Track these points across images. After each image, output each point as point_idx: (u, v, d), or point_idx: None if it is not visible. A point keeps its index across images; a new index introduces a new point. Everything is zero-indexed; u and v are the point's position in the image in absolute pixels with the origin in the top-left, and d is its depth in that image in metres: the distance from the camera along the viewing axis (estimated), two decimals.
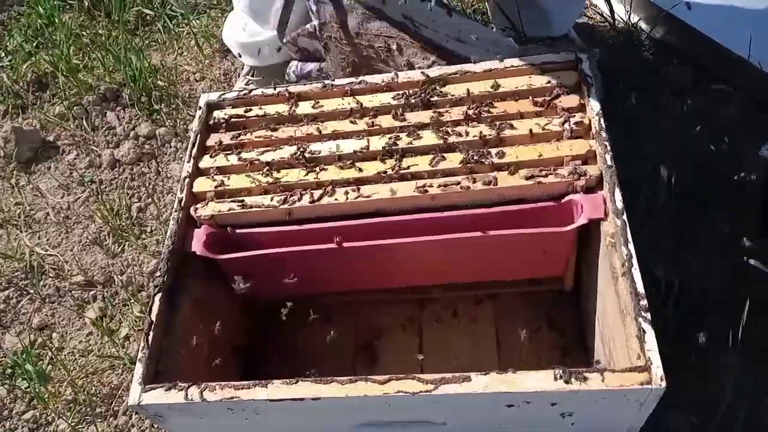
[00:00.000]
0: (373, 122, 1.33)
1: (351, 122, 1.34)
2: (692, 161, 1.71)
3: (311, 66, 1.78)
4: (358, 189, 1.25)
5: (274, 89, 1.42)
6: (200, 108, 1.43)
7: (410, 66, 1.52)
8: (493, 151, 1.23)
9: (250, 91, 1.44)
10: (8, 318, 1.84)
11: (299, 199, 1.26)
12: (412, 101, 1.33)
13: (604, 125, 1.21)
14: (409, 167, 1.25)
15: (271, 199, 1.28)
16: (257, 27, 1.94)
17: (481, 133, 1.26)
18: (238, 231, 1.30)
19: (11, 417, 1.67)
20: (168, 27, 2.44)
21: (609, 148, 1.18)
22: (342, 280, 1.43)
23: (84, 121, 2.23)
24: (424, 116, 1.31)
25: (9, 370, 1.74)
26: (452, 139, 1.26)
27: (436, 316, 1.54)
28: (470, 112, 1.29)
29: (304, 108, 1.39)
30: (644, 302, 1.00)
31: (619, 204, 1.12)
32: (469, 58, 1.40)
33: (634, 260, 1.05)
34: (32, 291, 1.88)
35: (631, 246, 1.07)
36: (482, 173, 1.22)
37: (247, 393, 1.04)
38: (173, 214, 1.29)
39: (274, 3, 1.86)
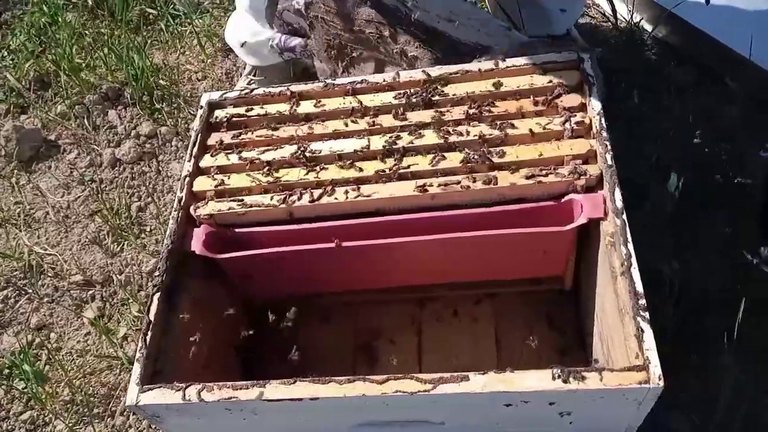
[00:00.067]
0: (373, 121, 1.33)
1: (352, 121, 1.34)
2: (693, 161, 1.71)
3: (296, 41, 1.76)
4: (359, 188, 1.25)
5: (276, 88, 1.42)
6: (201, 107, 1.43)
7: (403, 53, 1.50)
8: (494, 150, 1.23)
9: (252, 90, 1.44)
10: (6, 318, 1.84)
11: (299, 199, 1.26)
12: (413, 101, 1.33)
13: (605, 125, 1.20)
14: (409, 166, 1.25)
15: (271, 199, 1.28)
16: (259, 27, 1.94)
17: (481, 132, 1.25)
18: (237, 230, 1.30)
19: (8, 418, 1.67)
20: (170, 26, 2.45)
21: (610, 147, 1.17)
22: (342, 280, 1.42)
23: (85, 120, 2.23)
24: (425, 116, 1.31)
25: (6, 371, 1.74)
26: (453, 138, 1.26)
27: (435, 315, 1.54)
28: (471, 111, 1.29)
29: (305, 107, 1.38)
30: (643, 301, 1.00)
31: (619, 203, 1.11)
32: (460, 40, 1.39)
33: (634, 260, 1.04)
34: (31, 291, 1.88)
35: (630, 245, 1.06)
36: (482, 173, 1.22)
37: (245, 393, 1.03)
38: (173, 213, 1.29)
39: None
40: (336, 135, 1.33)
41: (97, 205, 1.99)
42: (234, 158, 1.34)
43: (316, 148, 1.31)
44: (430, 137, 1.27)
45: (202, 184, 1.33)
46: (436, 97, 1.33)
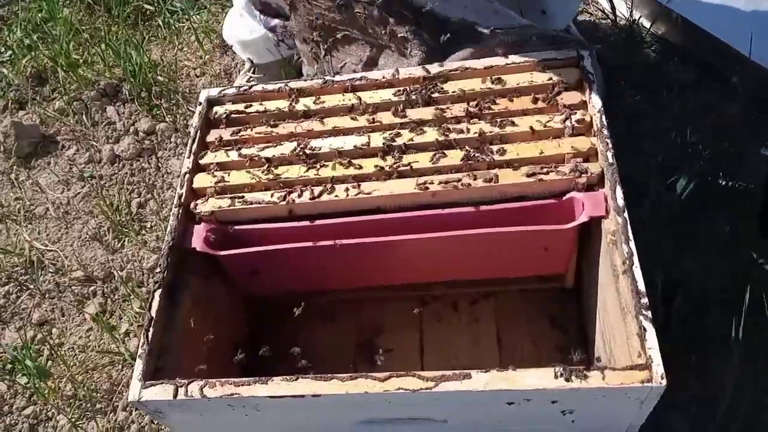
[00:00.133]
0: (373, 119, 1.33)
1: (352, 119, 1.34)
2: (693, 160, 1.71)
3: (275, 21, 1.74)
4: (359, 186, 1.24)
5: (275, 84, 1.42)
6: (200, 104, 1.43)
7: (392, 34, 1.47)
8: (494, 148, 1.23)
9: (251, 86, 1.44)
10: (8, 313, 1.84)
11: (300, 196, 1.26)
12: (413, 98, 1.33)
13: (605, 122, 1.20)
14: (409, 164, 1.25)
15: (272, 196, 1.27)
16: (256, 24, 1.93)
17: (482, 129, 1.25)
18: (238, 227, 1.30)
19: (11, 412, 1.67)
20: (168, 22, 2.44)
21: (610, 145, 1.17)
22: (343, 277, 1.42)
23: (84, 117, 2.23)
24: (425, 113, 1.31)
25: (9, 366, 1.74)
26: (453, 135, 1.26)
27: (437, 313, 1.54)
28: (471, 108, 1.29)
29: (305, 104, 1.38)
30: (645, 300, 1.00)
31: (620, 202, 1.11)
32: (448, 18, 1.38)
33: (635, 258, 1.05)
34: (32, 286, 1.88)
35: (632, 244, 1.06)
36: (483, 170, 1.22)
37: (247, 390, 1.03)
38: (173, 210, 1.29)
39: None
40: (336, 132, 1.33)
41: (97, 202, 1.98)
42: (234, 155, 1.34)
43: (316, 145, 1.31)
44: (431, 134, 1.27)
45: (202, 180, 1.33)
46: (436, 95, 1.33)
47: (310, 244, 1.27)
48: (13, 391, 1.70)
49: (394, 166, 1.25)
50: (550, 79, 1.30)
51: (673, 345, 1.34)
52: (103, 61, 2.35)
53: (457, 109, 1.30)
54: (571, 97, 1.27)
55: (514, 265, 1.39)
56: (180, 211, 1.29)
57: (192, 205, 1.30)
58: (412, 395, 0.99)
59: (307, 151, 1.30)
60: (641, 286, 1.02)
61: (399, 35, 1.44)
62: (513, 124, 1.26)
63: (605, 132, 1.19)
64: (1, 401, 1.68)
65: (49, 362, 1.73)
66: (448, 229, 1.22)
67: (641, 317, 0.99)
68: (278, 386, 1.03)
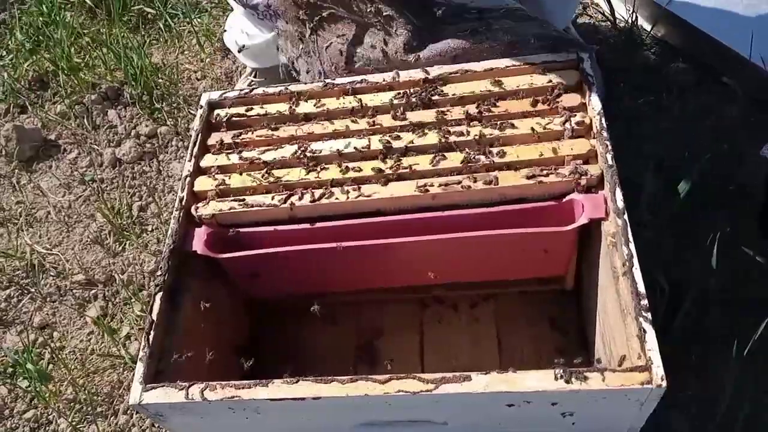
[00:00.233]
0: (374, 121, 1.33)
1: (352, 121, 1.34)
2: (693, 161, 1.71)
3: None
4: (359, 188, 1.25)
5: (275, 88, 1.42)
6: (201, 107, 1.43)
7: (378, 12, 1.44)
8: (494, 150, 1.23)
9: (252, 89, 1.44)
10: (9, 317, 1.84)
11: (300, 199, 1.26)
12: (413, 100, 1.33)
13: (605, 124, 1.21)
14: (410, 166, 1.25)
15: (272, 199, 1.28)
16: (256, 29, 1.93)
17: (481, 132, 1.26)
18: (238, 230, 1.30)
19: (12, 416, 1.67)
20: (169, 25, 2.44)
21: (610, 147, 1.18)
22: (343, 280, 1.43)
23: (85, 120, 2.23)
24: (425, 115, 1.31)
25: (10, 369, 1.74)
26: (453, 138, 1.26)
27: (437, 315, 1.54)
28: (471, 111, 1.29)
29: (305, 107, 1.39)
30: (645, 302, 1.00)
31: (620, 203, 1.12)
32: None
33: (635, 260, 1.05)
34: (33, 290, 1.88)
35: (632, 245, 1.06)
36: (483, 172, 1.22)
37: (247, 392, 1.04)
38: (174, 213, 1.29)
39: None
40: (336, 135, 1.33)
41: (99, 205, 1.98)
42: (234, 158, 1.34)
43: (317, 148, 1.31)
44: (431, 137, 1.28)
45: (203, 183, 1.33)
46: (436, 97, 1.33)
47: (310, 246, 1.27)
48: (13, 395, 1.70)
49: (395, 168, 1.25)
50: (550, 81, 1.30)
51: (673, 345, 1.35)
52: (105, 65, 2.36)
53: (457, 112, 1.30)
54: (570, 100, 1.27)
55: (514, 267, 1.39)
56: (181, 214, 1.29)
57: (193, 208, 1.30)
58: (412, 397, 0.99)
59: (308, 154, 1.31)
60: (641, 288, 1.02)
61: (384, 13, 1.42)
62: (513, 126, 1.26)
63: (605, 134, 1.20)
64: (1, 405, 1.69)
65: (50, 366, 1.73)
66: (448, 232, 1.23)
67: (641, 319, 0.99)
68: (279, 389, 1.03)
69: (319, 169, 1.29)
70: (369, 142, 1.30)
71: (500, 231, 1.21)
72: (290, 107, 1.39)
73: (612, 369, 0.97)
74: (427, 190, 1.22)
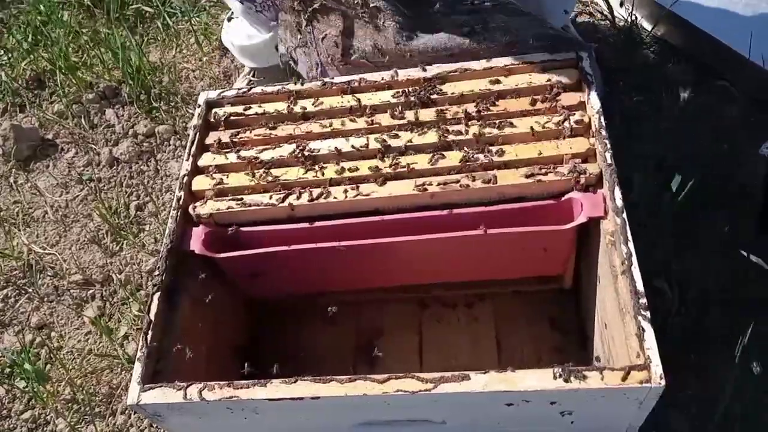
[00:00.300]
0: (372, 120, 1.33)
1: (350, 120, 1.34)
2: (692, 161, 1.71)
3: None
4: (358, 187, 1.24)
5: (274, 87, 1.42)
6: (199, 106, 1.43)
7: (364, 4, 1.42)
8: (493, 149, 1.23)
9: (250, 88, 1.44)
10: (6, 317, 1.84)
11: (298, 198, 1.26)
12: (412, 99, 1.33)
13: (604, 123, 1.20)
14: (408, 165, 1.24)
15: (270, 198, 1.27)
16: (253, 30, 1.93)
17: (480, 131, 1.25)
18: (236, 229, 1.30)
19: (10, 416, 1.66)
20: (167, 24, 2.44)
21: (609, 146, 1.17)
22: (342, 279, 1.42)
23: (83, 119, 2.23)
24: (424, 114, 1.31)
25: (8, 370, 1.74)
26: (452, 137, 1.26)
27: (436, 315, 1.54)
28: (470, 110, 1.29)
29: (304, 106, 1.38)
30: (644, 301, 1.00)
31: (619, 202, 1.11)
32: None
33: (634, 259, 1.04)
34: (30, 290, 1.87)
35: (630, 244, 1.06)
36: (482, 171, 1.22)
37: (246, 392, 1.03)
38: (172, 213, 1.29)
39: None
40: (334, 134, 1.33)
41: (96, 204, 1.98)
42: (233, 157, 1.34)
43: (315, 147, 1.31)
44: (429, 136, 1.27)
45: (200, 183, 1.33)
46: (435, 96, 1.33)
47: (309, 246, 1.27)
48: (11, 395, 1.70)
49: (393, 167, 1.25)
50: (549, 80, 1.30)
51: (672, 345, 1.34)
52: (102, 64, 2.35)
53: (456, 111, 1.30)
54: (569, 98, 1.27)
55: (512, 266, 1.38)
56: (178, 213, 1.29)
57: (191, 207, 1.30)
58: (411, 397, 0.99)
59: (306, 153, 1.30)
60: (640, 287, 1.02)
61: (371, 5, 1.41)
62: (512, 125, 1.26)
63: (604, 133, 1.19)
64: None
65: (48, 366, 1.72)
66: (447, 231, 1.22)
67: (640, 317, 0.99)
68: (277, 389, 1.03)
69: (317, 168, 1.29)
70: (367, 141, 1.29)
71: (499, 230, 1.20)
72: (288, 106, 1.38)
73: (611, 368, 0.96)
74: (426, 189, 1.21)
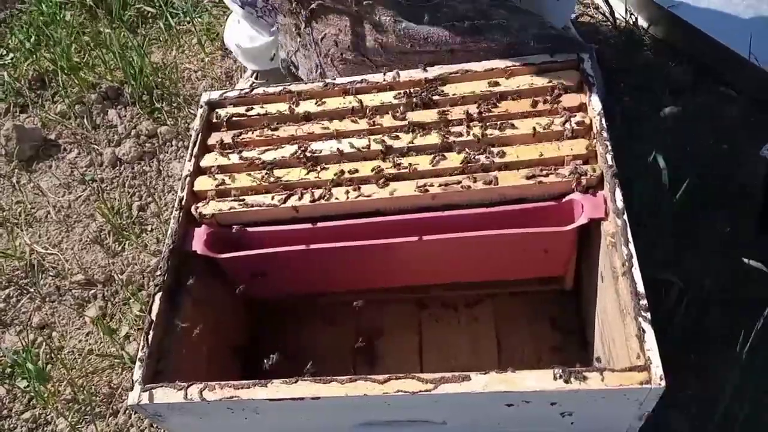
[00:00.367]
0: (374, 121, 1.33)
1: (352, 121, 1.34)
2: (692, 161, 1.71)
3: None
4: (359, 188, 1.25)
5: (276, 87, 1.42)
6: (202, 106, 1.43)
7: (358, 2, 1.42)
8: (494, 150, 1.23)
9: (252, 89, 1.44)
10: (8, 317, 1.84)
11: (300, 199, 1.26)
12: (414, 100, 1.33)
13: (605, 125, 1.21)
14: (409, 166, 1.25)
15: (272, 199, 1.28)
16: (255, 32, 1.93)
17: (482, 132, 1.26)
18: (238, 230, 1.30)
19: (10, 416, 1.67)
20: (170, 24, 2.44)
21: (610, 147, 1.18)
22: (343, 280, 1.43)
23: (85, 120, 2.23)
24: (426, 115, 1.31)
25: (9, 370, 1.74)
26: (453, 138, 1.26)
27: (436, 315, 1.54)
28: (471, 111, 1.29)
29: (305, 107, 1.39)
30: (644, 302, 1.00)
31: (620, 204, 1.11)
32: None
33: (635, 260, 1.05)
34: (32, 290, 1.88)
35: (631, 246, 1.06)
36: (483, 172, 1.22)
37: (246, 392, 1.04)
38: (174, 213, 1.29)
39: None
40: (336, 135, 1.33)
41: (98, 205, 1.98)
42: (234, 158, 1.34)
43: (317, 148, 1.31)
44: (431, 137, 1.28)
45: (202, 183, 1.33)
46: (436, 97, 1.33)
47: (310, 246, 1.27)
48: (12, 395, 1.70)
49: (395, 168, 1.25)
50: (550, 81, 1.30)
51: (672, 345, 1.34)
52: (105, 64, 2.36)
53: (458, 112, 1.30)
54: (570, 100, 1.27)
55: (513, 267, 1.39)
56: (181, 214, 1.29)
57: (193, 208, 1.30)
58: (411, 397, 0.99)
59: (308, 154, 1.31)
60: (640, 288, 1.02)
61: (365, 2, 1.41)
62: (513, 126, 1.26)
63: (605, 134, 1.20)
64: (0, 405, 1.68)
65: (49, 366, 1.73)
66: (448, 232, 1.23)
67: (640, 319, 0.99)
68: (277, 389, 1.03)
69: (319, 169, 1.29)
70: (369, 142, 1.30)
71: (500, 231, 1.21)
72: (290, 107, 1.39)
73: (611, 369, 0.97)
74: (427, 190, 1.22)
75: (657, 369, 0.94)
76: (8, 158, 2.18)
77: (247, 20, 1.88)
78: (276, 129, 1.37)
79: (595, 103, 1.24)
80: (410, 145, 1.27)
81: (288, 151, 1.33)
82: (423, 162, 1.25)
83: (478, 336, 1.49)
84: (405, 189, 1.23)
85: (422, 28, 1.40)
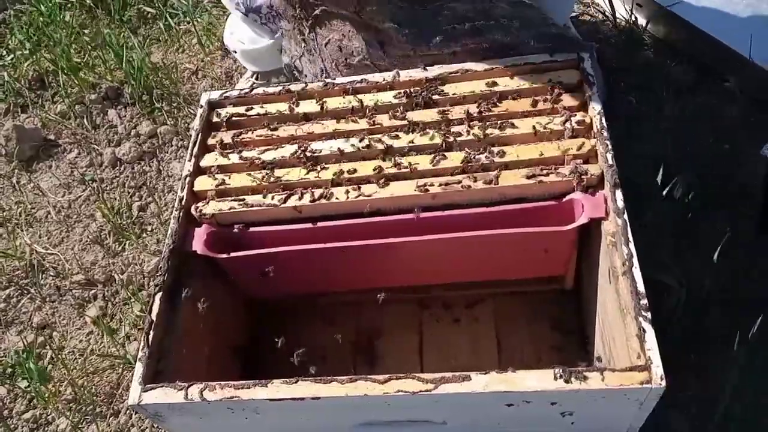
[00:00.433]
0: (374, 121, 1.33)
1: (352, 121, 1.34)
2: (692, 161, 1.71)
3: (261, 0, 1.72)
4: (359, 188, 1.25)
5: (276, 87, 1.42)
6: (201, 106, 1.43)
7: (362, 9, 1.41)
8: (494, 149, 1.23)
9: (252, 89, 1.44)
10: (9, 317, 1.84)
11: (300, 199, 1.26)
12: (414, 100, 1.33)
13: (605, 124, 1.21)
14: (410, 166, 1.25)
15: (272, 198, 1.28)
16: (254, 34, 1.93)
17: (482, 131, 1.26)
18: (238, 230, 1.30)
19: (11, 416, 1.67)
20: (169, 25, 2.44)
21: (610, 147, 1.18)
22: (343, 280, 1.43)
23: (85, 120, 2.23)
24: (426, 115, 1.31)
25: (9, 370, 1.74)
26: (453, 137, 1.26)
27: (436, 315, 1.54)
28: (472, 110, 1.29)
29: (305, 107, 1.39)
30: (644, 301, 1.00)
31: (620, 203, 1.11)
32: None
33: (635, 259, 1.05)
34: (33, 290, 1.88)
35: (631, 245, 1.06)
36: (483, 172, 1.22)
37: (247, 393, 1.04)
38: (174, 213, 1.29)
39: None
40: (336, 134, 1.33)
41: (98, 205, 1.98)
42: (234, 158, 1.34)
43: (317, 148, 1.31)
44: (431, 137, 1.28)
45: (202, 183, 1.33)
46: (436, 97, 1.33)
47: (310, 246, 1.27)
48: (13, 395, 1.70)
49: (395, 168, 1.25)
50: (550, 81, 1.30)
51: (673, 345, 1.34)
52: (104, 65, 2.36)
53: (458, 111, 1.30)
54: (570, 99, 1.27)
55: (513, 266, 1.39)
56: (181, 214, 1.29)
57: (193, 208, 1.30)
58: (412, 397, 0.99)
59: (308, 154, 1.31)
60: (641, 288, 1.02)
61: (368, 8, 1.41)
62: (513, 126, 1.26)
63: (605, 134, 1.20)
64: (0, 405, 1.68)
65: (50, 366, 1.73)
66: (449, 231, 1.23)
67: (640, 318, 0.99)
68: (278, 389, 1.03)
69: (319, 168, 1.29)
70: (369, 141, 1.30)
71: (500, 231, 1.21)
72: (290, 107, 1.39)
73: (611, 369, 0.97)
74: (427, 190, 1.21)
75: (657, 369, 0.94)
76: (8, 158, 2.19)
77: (247, 23, 1.88)
78: (276, 129, 1.37)
79: (595, 103, 1.24)
80: (410, 144, 1.27)
81: (288, 150, 1.33)
82: (423, 162, 1.25)
83: (479, 336, 1.49)
84: (405, 189, 1.23)
85: (425, 33, 1.40)
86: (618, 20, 2.07)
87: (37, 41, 2.50)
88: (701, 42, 1.89)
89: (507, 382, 0.98)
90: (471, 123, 1.28)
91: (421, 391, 0.99)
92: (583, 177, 1.17)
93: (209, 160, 1.36)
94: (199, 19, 2.44)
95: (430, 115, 1.31)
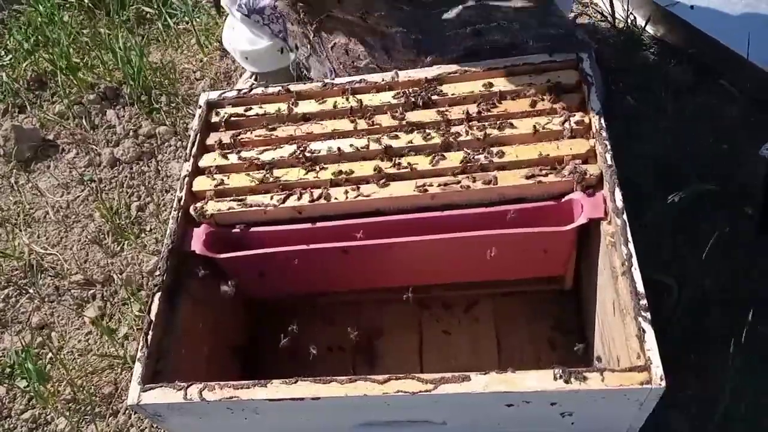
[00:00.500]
0: (373, 121, 1.33)
1: (351, 121, 1.34)
2: (693, 161, 1.71)
3: (265, 2, 1.72)
4: (358, 188, 1.25)
5: (274, 87, 1.42)
6: (200, 107, 1.43)
7: (368, 14, 1.41)
8: (494, 150, 1.23)
9: (250, 89, 1.44)
10: (7, 317, 1.84)
11: (299, 199, 1.26)
12: (413, 100, 1.33)
13: (604, 124, 1.20)
14: (409, 166, 1.25)
15: (271, 199, 1.28)
16: (253, 35, 1.92)
17: (481, 132, 1.25)
18: (237, 230, 1.30)
19: (10, 416, 1.67)
20: (168, 25, 2.44)
21: (609, 147, 1.18)
22: (342, 280, 1.42)
23: (84, 120, 2.23)
24: (425, 115, 1.31)
25: (8, 370, 1.74)
26: (452, 138, 1.26)
27: (436, 315, 1.54)
28: (471, 111, 1.29)
29: (304, 107, 1.38)
30: (644, 302, 1.00)
31: (619, 203, 1.11)
32: None
33: (634, 260, 1.05)
34: (31, 290, 1.88)
35: (631, 245, 1.06)
36: (482, 172, 1.22)
37: (246, 393, 1.03)
38: (173, 213, 1.29)
39: None
40: (335, 135, 1.33)
41: (97, 205, 1.98)
42: (233, 158, 1.34)
43: (316, 148, 1.31)
44: (430, 137, 1.27)
45: (201, 183, 1.33)
46: (435, 97, 1.33)
47: (309, 246, 1.27)
48: (12, 395, 1.70)
49: (394, 168, 1.25)
50: (549, 81, 1.30)
51: (672, 345, 1.34)
52: (103, 65, 2.36)
53: (457, 112, 1.30)
54: (570, 99, 1.27)
55: (513, 267, 1.38)
56: (179, 214, 1.29)
57: (191, 208, 1.30)
58: (411, 398, 0.99)
59: (307, 154, 1.31)
60: (640, 288, 1.02)
61: (376, 14, 1.41)
62: (512, 126, 1.26)
63: (604, 134, 1.19)
64: (0, 405, 1.68)
65: (49, 366, 1.72)
66: (448, 231, 1.22)
67: (640, 318, 0.99)
68: (277, 389, 1.03)
69: (317, 169, 1.29)
70: (368, 141, 1.29)
71: (499, 231, 1.20)
72: (289, 107, 1.39)
73: (611, 369, 0.96)
74: (427, 190, 1.21)
75: (657, 369, 0.94)
76: (7, 159, 2.18)
77: (246, 24, 1.87)
78: (275, 129, 1.37)
79: (594, 103, 1.24)
80: (409, 144, 1.27)
81: (287, 151, 1.32)
82: (422, 162, 1.25)
83: (478, 336, 1.49)
84: (404, 189, 1.23)
85: (428, 38, 1.40)
86: (617, 20, 2.07)
87: (35, 41, 2.50)
88: (700, 42, 1.89)
89: (507, 383, 0.98)
90: (470, 123, 1.28)
91: (420, 392, 0.98)
92: (582, 177, 1.17)
93: (208, 160, 1.35)
94: (197, 20, 2.44)
95: (430, 115, 1.31)
